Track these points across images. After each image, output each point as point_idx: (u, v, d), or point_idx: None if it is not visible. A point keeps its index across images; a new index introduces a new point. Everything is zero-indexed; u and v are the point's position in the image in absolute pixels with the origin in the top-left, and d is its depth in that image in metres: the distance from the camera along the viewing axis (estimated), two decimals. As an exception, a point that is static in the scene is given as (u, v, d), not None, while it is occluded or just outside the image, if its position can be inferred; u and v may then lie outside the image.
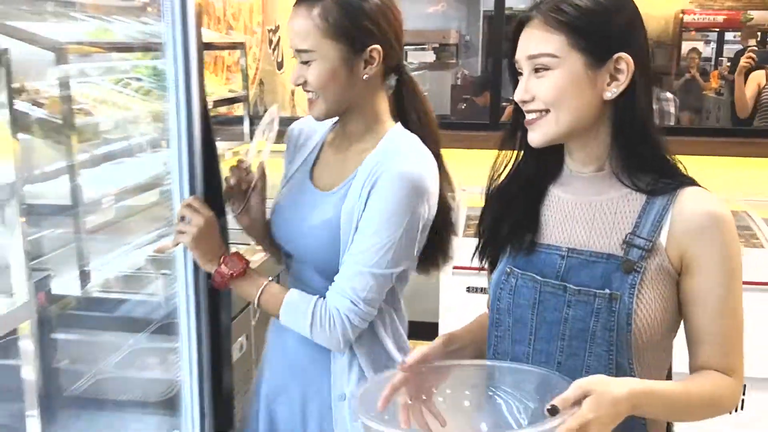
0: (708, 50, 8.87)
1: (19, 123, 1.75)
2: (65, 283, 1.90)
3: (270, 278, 1.53)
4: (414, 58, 6.54)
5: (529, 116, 1.23)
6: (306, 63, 1.47)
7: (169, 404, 1.80)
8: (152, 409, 1.85)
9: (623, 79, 1.19)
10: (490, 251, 1.37)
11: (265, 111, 1.64)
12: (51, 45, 1.84)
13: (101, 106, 2.08)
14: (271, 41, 5.35)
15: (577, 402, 1.09)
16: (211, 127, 1.50)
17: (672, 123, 5.13)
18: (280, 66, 5.55)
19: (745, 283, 3.54)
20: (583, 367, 1.26)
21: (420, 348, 1.32)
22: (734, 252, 1.23)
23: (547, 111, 1.22)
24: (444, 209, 1.58)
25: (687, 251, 1.21)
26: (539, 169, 1.33)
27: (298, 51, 1.47)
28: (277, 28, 5.50)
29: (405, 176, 1.44)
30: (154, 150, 2.20)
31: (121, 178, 2.10)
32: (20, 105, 1.87)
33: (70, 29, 2.15)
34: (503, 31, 4.03)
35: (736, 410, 3.41)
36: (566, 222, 1.30)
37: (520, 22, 1.24)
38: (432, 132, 1.57)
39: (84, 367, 1.80)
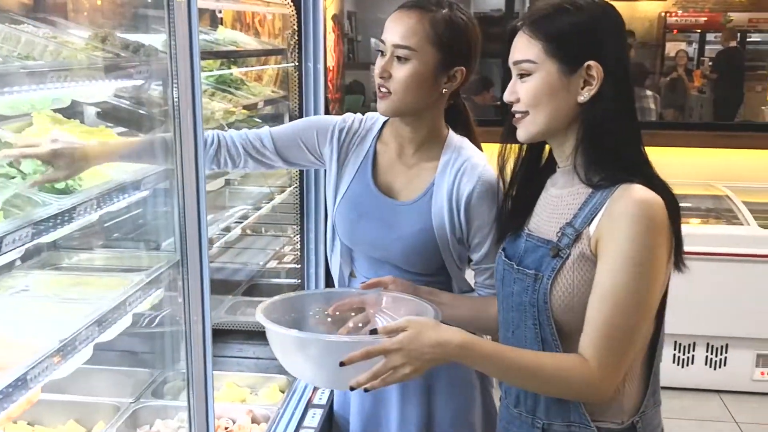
0: (690, 50, 9.24)
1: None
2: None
3: None
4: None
5: (516, 115, 1.34)
6: (399, 59, 1.55)
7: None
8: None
9: (594, 85, 1.27)
10: (499, 233, 1.52)
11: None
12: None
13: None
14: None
15: (396, 332, 1.23)
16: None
17: (654, 119, 5.58)
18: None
19: (726, 255, 4.06)
20: (523, 337, 1.35)
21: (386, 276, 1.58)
22: (636, 248, 1.22)
23: (527, 112, 1.32)
24: None
25: (601, 238, 1.26)
26: (538, 163, 1.43)
27: (398, 46, 1.54)
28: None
29: (492, 181, 1.60)
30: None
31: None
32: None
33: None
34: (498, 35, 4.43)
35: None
36: (540, 212, 1.40)
37: (512, 30, 1.34)
38: (476, 142, 1.72)
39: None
